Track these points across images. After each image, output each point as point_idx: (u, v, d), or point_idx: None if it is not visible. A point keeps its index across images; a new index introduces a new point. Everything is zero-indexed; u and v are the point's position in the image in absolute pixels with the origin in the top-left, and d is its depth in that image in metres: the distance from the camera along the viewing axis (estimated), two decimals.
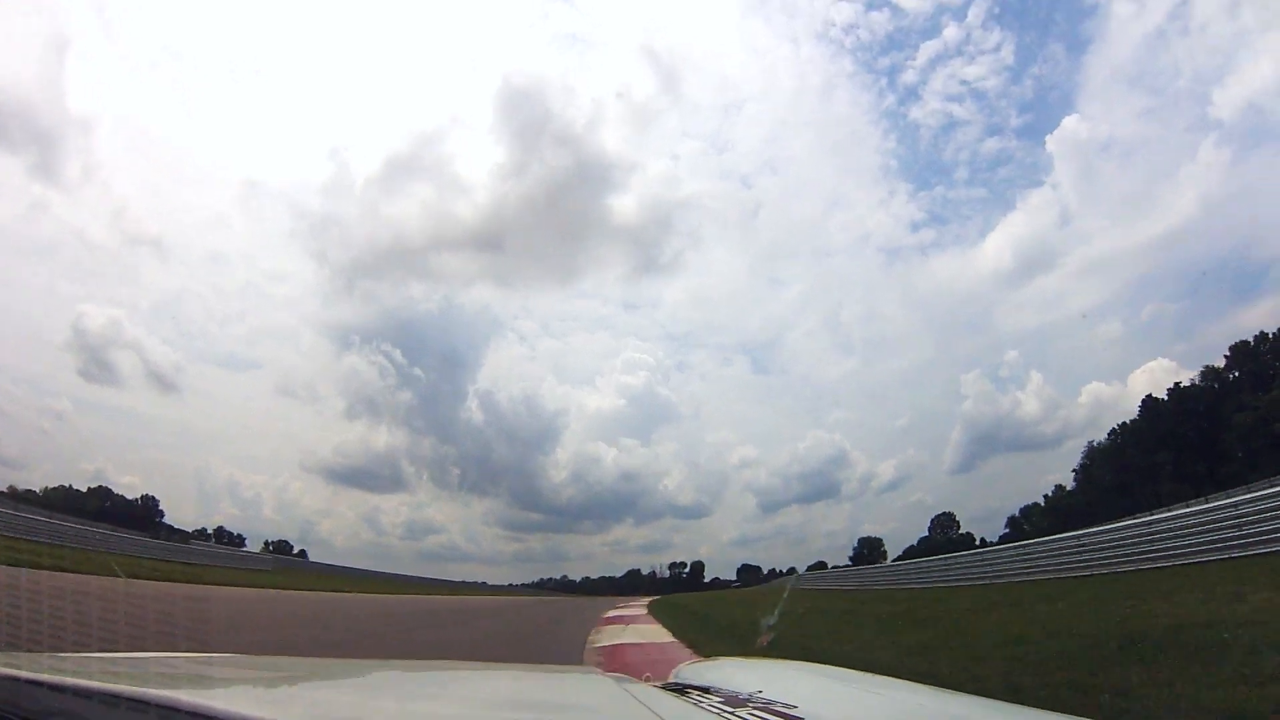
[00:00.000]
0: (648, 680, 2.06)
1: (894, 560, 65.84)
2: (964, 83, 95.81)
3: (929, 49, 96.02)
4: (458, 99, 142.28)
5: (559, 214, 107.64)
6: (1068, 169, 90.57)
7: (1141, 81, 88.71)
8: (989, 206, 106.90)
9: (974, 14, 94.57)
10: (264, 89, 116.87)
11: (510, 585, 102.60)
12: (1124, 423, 56.25)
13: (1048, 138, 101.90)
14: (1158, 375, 74.01)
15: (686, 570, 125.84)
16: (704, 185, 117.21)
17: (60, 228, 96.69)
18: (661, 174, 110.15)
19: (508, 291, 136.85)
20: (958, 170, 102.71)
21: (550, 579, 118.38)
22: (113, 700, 1.19)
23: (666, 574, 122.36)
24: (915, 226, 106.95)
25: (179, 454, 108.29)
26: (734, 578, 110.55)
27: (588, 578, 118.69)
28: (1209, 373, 50.67)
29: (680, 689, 1.85)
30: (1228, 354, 50.18)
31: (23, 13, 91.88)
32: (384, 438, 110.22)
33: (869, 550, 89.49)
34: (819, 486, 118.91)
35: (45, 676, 1.33)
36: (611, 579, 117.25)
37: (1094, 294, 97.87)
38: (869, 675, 2.34)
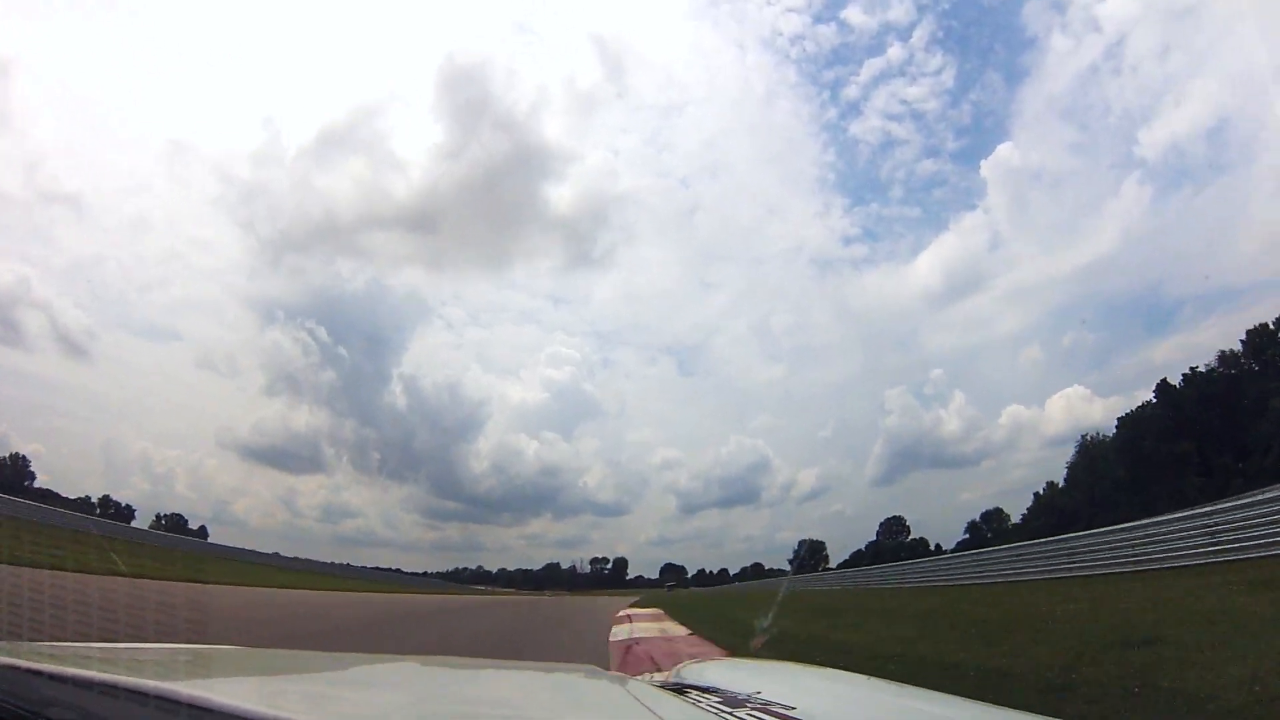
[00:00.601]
0: (648, 679, 2.09)
1: (838, 565, 64.90)
2: (904, 102, 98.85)
3: (873, 66, 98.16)
4: (399, 74, 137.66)
5: (495, 200, 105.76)
6: (1000, 195, 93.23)
7: (1074, 115, 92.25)
8: (922, 226, 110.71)
9: (918, 36, 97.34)
10: (196, 47, 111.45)
11: (425, 574, 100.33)
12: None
13: (982, 163, 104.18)
14: (1074, 401, 78.94)
15: (609, 567, 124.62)
16: (642, 181, 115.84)
17: None
18: (600, 166, 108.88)
19: (437, 276, 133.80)
20: (893, 188, 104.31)
21: (466, 568, 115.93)
22: (111, 691, 1.20)
23: (588, 569, 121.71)
24: (848, 240, 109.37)
25: (89, 424, 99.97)
26: (656, 576, 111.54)
27: (504, 569, 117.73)
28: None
29: (680, 688, 1.86)
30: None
31: None
32: (304, 417, 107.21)
33: (811, 554, 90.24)
34: (739, 491, 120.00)
35: (44, 666, 1.35)
36: (528, 571, 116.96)
37: (1018, 319, 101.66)
38: (868, 678, 2.32)
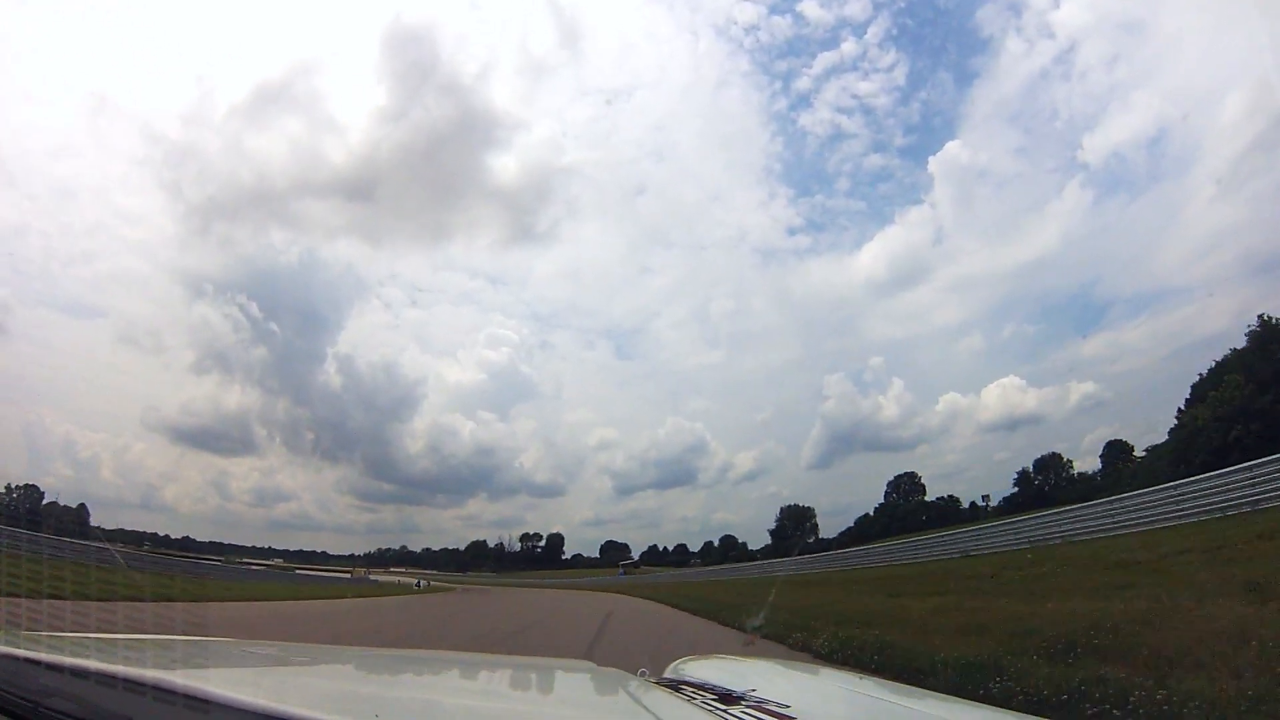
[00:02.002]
0: (643, 675, 2.06)
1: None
2: (856, 97, 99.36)
3: (826, 59, 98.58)
4: (341, 29, 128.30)
5: (436, 168, 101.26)
6: (946, 191, 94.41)
7: (1022, 118, 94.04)
8: (866, 219, 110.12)
9: (873, 32, 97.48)
10: None
11: (352, 555, 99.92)
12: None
13: (930, 158, 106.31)
14: (1008, 390, 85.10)
15: (541, 545, 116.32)
16: (588, 155, 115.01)
17: None
18: (547, 137, 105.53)
19: (374, 249, 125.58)
20: (840, 180, 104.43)
21: (390, 549, 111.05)
22: (109, 681, 1.20)
23: (517, 548, 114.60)
24: (792, 230, 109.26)
25: (7, 406, 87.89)
26: (596, 555, 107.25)
27: (429, 549, 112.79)
28: None
29: (676, 685, 1.87)
30: None
31: None
32: (235, 397, 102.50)
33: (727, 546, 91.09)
34: (676, 473, 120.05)
35: (43, 656, 1.35)
36: (454, 551, 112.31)
37: (958, 310, 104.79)
38: (862, 677, 2.36)
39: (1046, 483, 69.10)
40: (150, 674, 1.19)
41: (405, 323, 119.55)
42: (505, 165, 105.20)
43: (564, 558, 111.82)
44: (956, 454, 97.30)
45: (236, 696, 1.08)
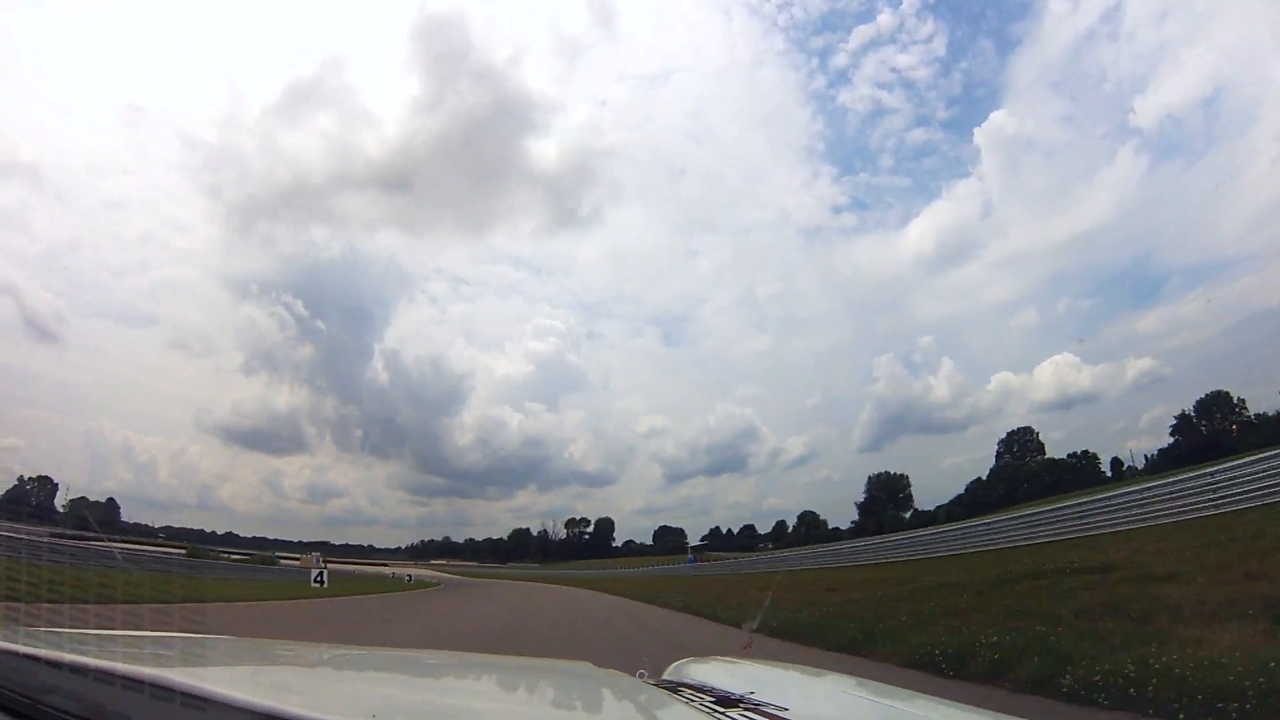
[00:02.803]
0: (641, 676, 2.04)
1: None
2: (895, 70, 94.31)
3: (862, 33, 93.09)
4: (369, 21, 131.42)
5: (474, 155, 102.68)
6: (993, 162, 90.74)
7: (1068, 83, 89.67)
8: (912, 195, 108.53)
9: (909, 2, 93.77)
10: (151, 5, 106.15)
11: (398, 549, 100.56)
12: None
13: (975, 130, 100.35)
14: (1062, 368, 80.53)
15: (589, 531, 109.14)
16: (627, 137, 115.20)
17: None
18: (585, 119, 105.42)
19: (416, 241, 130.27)
20: (883, 156, 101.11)
21: (433, 541, 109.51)
22: (107, 678, 1.20)
23: (563, 535, 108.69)
24: (837, 209, 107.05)
25: (69, 415, 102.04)
26: (649, 542, 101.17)
27: (471, 539, 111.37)
28: None
29: (674, 687, 1.86)
30: None
31: None
32: (285, 396, 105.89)
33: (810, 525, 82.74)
34: (726, 459, 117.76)
35: (41, 652, 1.34)
36: (498, 541, 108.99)
37: (1008, 286, 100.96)
38: (861, 680, 2.33)
39: (1214, 427, 57.16)
40: (148, 671, 1.19)
41: (451, 316, 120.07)
42: (544, 150, 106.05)
43: (614, 545, 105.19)
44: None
45: (234, 694, 1.08)
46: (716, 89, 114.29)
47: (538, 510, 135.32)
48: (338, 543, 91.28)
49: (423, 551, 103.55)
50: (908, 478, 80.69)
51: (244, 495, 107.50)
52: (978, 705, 2.16)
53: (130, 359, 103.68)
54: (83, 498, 72.86)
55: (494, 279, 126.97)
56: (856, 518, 78.45)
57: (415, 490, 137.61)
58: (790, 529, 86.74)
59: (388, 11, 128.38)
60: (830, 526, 79.85)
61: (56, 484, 70.07)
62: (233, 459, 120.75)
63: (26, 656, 1.33)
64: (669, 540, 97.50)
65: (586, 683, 2.10)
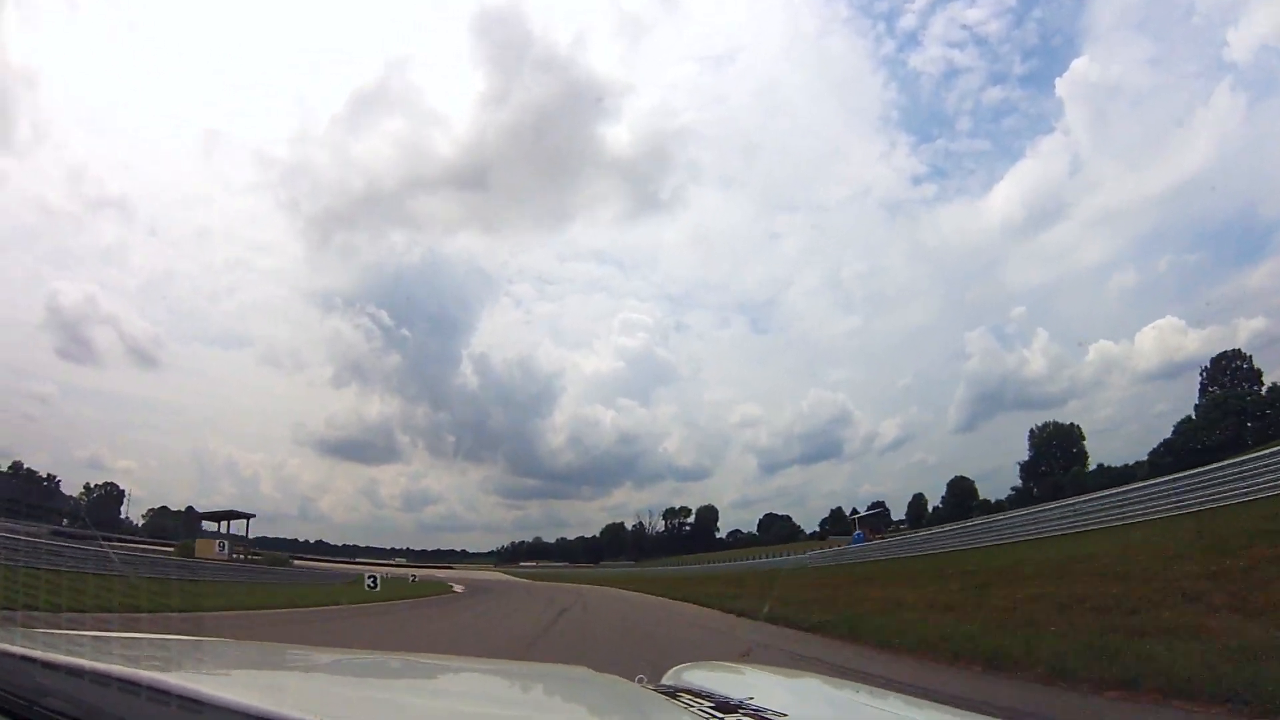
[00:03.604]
0: (641, 682, 2.04)
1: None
2: (965, 27, 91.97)
3: None
4: (426, 20, 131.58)
5: (546, 146, 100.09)
6: (1078, 115, 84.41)
7: (1152, 23, 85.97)
8: (994, 158, 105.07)
9: None
10: (212, 35, 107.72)
11: (490, 552, 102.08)
12: None
13: (1056, 81, 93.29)
14: (1166, 333, 73.57)
15: (689, 522, 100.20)
16: (700, 116, 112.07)
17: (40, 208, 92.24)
18: (656, 102, 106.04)
19: (495, 240, 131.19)
20: (960, 120, 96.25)
21: (524, 542, 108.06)
22: (104, 680, 1.21)
23: (661, 527, 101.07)
24: (917, 180, 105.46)
25: (175, 436, 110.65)
26: (754, 530, 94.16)
27: (563, 538, 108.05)
28: None
29: (673, 692, 1.86)
30: None
31: None
32: (376, 406, 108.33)
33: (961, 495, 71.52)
34: (821, 446, 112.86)
35: (39, 654, 1.34)
36: (590, 540, 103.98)
37: (1104, 246, 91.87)
38: (860, 686, 2.33)
39: None
40: (146, 674, 1.19)
41: (537, 317, 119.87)
42: (617, 135, 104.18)
43: (718, 537, 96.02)
44: (1111, 408, 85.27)
45: (230, 697, 1.09)
46: (784, 63, 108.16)
47: (633, 508, 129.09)
48: (430, 549, 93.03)
49: (512, 554, 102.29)
50: (1079, 428, 68.71)
51: (342, 505, 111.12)
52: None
53: (228, 379, 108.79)
54: (163, 507, 77.41)
55: (578, 276, 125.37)
56: (1019, 482, 68.33)
57: (509, 494, 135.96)
58: (933, 505, 76.45)
59: (445, 9, 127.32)
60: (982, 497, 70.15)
61: (123, 490, 74.79)
62: (329, 470, 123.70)
63: (24, 658, 1.34)
64: (777, 528, 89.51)
65: (586, 687, 2.10)
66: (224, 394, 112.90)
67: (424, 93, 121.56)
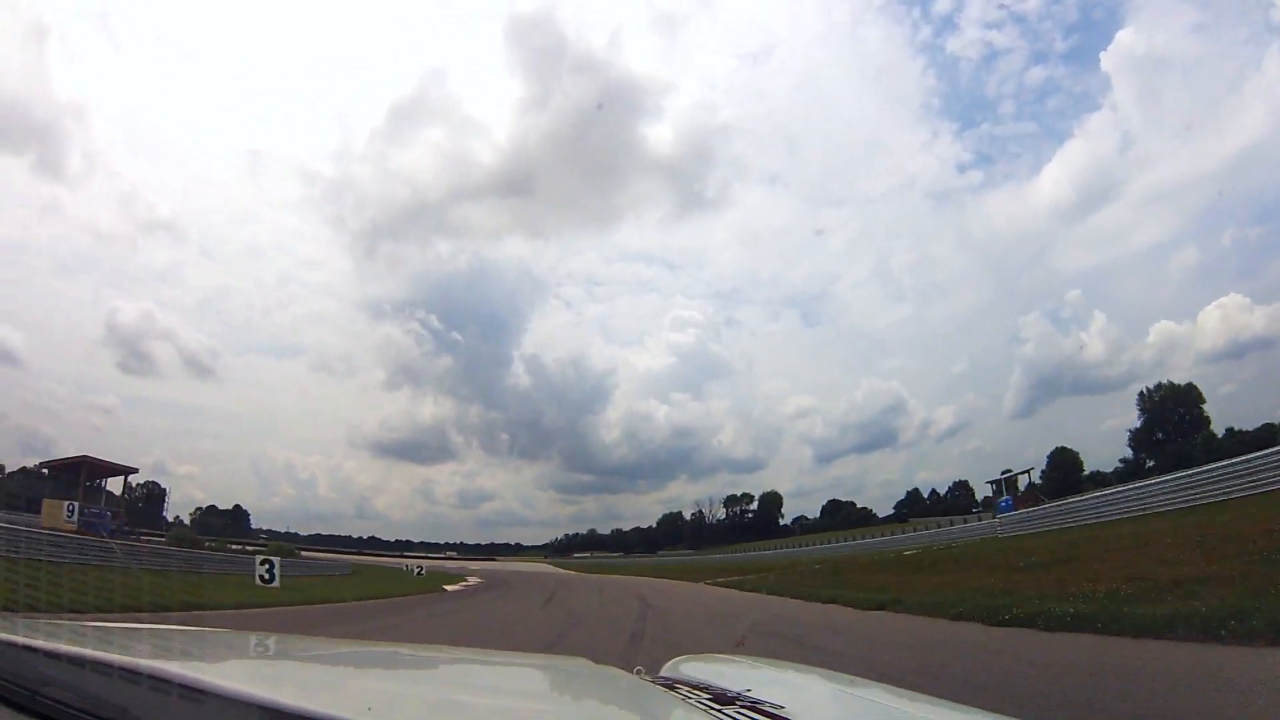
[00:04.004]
0: (639, 673, 2.05)
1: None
2: (1002, 6, 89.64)
3: None
4: (459, 28, 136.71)
5: (589, 148, 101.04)
6: (1125, 89, 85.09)
7: None
8: (1040, 140, 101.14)
9: None
10: (250, 59, 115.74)
11: (544, 545, 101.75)
12: None
13: (1101, 55, 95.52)
14: (1231, 311, 71.01)
15: (752, 510, 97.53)
16: (741, 111, 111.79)
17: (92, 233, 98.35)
18: (696, 99, 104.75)
19: (542, 243, 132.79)
20: (1003, 104, 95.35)
21: (576, 535, 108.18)
22: (106, 670, 1.21)
23: (721, 515, 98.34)
24: (962, 167, 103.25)
25: (235, 442, 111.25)
26: (817, 516, 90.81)
27: (618, 530, 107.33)
28: None
29: (671, 684, 1.86)
30: None
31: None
32: (429, 408, 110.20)
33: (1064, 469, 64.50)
34: (875, 435, 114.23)
35: (40, 643, 1.35)
36: (646, 530, 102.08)
37: (1160, 224, 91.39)
38: (857, 679, 2.31)
39: None
40: (146, 663, 1.19)
41: (587, 318, 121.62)
42: (660, 134, 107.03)
43: (781, 523, 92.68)
44: None
45: (232, 687, 1.08)
46: (820, 54, 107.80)
47: (688, 501, 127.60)
48: (484, 543, 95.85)
49: (565, 546, 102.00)
50: (1198, 389, 63.31)
51: (399, 504, 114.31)
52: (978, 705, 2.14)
53: (283, 387, 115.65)
54: (210, 506, 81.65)
55: (626, 277, 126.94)
56: (1130, 451, 64.29)
57: (565, 489, 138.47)
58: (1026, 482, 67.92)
59: (477, 17, 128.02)
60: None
61: (165, 489, 76.33)
62: (385, 471, 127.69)
63: (25, 648, 1.34)
64: (842, 515, 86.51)
65: (584, 679, 2.10)
66: (279, 401, 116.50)
67: (462, 102, 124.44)
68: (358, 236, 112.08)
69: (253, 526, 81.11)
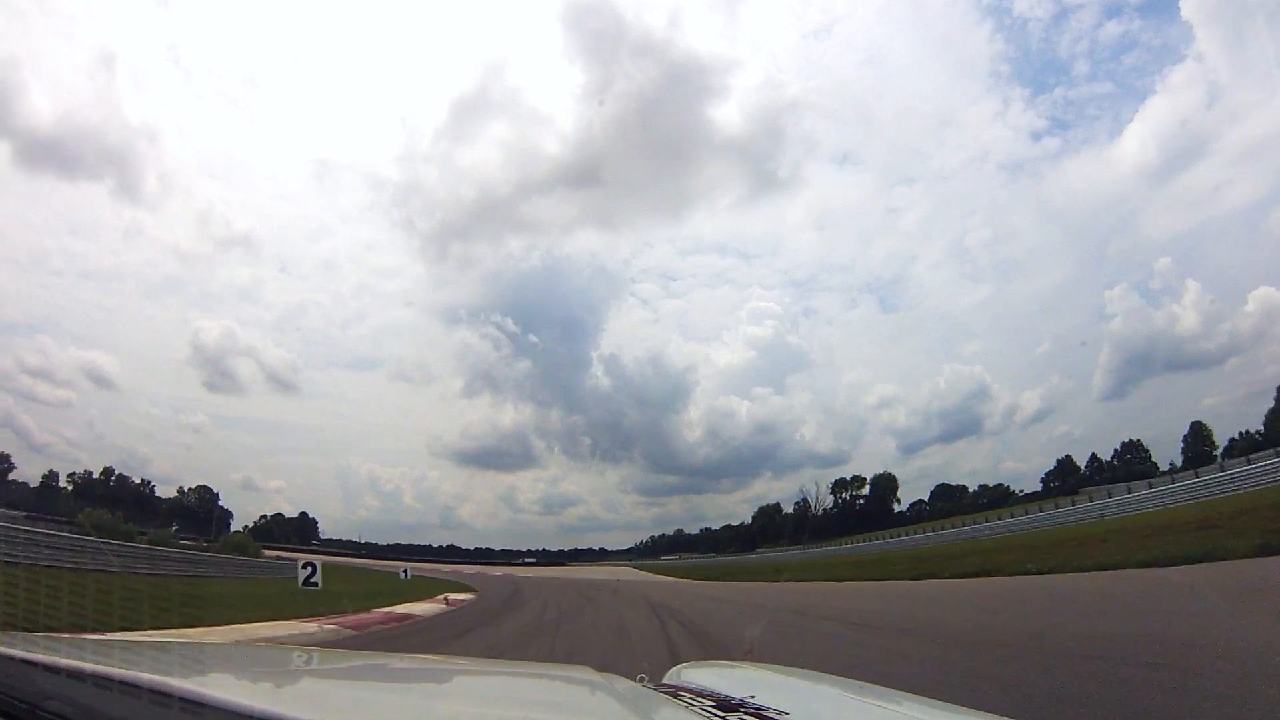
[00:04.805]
0: (642, 681, 2.04)
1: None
2: None
3: None
4: (514, 22, 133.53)
5: (656, 133, 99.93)
6: (1210, 37, 75.04)
7: None
8: (1118, 100, 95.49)
9: None
10: (319, 62, 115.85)
11: (629, 549, 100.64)
12: None
13: (1181, 3, 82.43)
14: None
15: (863, 495, 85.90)
16: (809, 85, 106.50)
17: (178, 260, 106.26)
18: (762, 75, 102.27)
19: (614, 235, 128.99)
20: (1076, 64, 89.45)
21: (663, 536, 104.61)
22: (105, 683, 1.20)
23: (829, 503, 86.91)
24: (1036, 135, 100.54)
25: (320, 456, 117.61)
26: (924, 498, 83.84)
27: (707, 528, 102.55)
28: None
29: (674, 691, 1.86)
30: None
31: (58, 35, 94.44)
32: (509, 414, 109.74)
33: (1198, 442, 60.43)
34: (960, 423, 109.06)
35: (39, 657, 1.34)
36: (738, 528, 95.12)
37: (1255, 181, 79.86)
38: (862, 684, 2.32)
39: None
40: (146, 677, 1.18)
41: (664, 315, 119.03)
42: (727, 114, 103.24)
43: (897, 508, 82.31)
44: (1278, 363, 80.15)
45: (232, 699, 1.08)
46: (883, 25, 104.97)
47: (774, 497, 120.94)
48: (568, 549, 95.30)
49: (652, 549, 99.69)
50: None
51: (482, 512, 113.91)
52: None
53: (364, 399, 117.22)
54: (278, 514, 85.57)
55: (701, 270, 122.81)
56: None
57: (648, 491, 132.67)
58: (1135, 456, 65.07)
59: (533, 5, 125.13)
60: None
61: (216, 493, 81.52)
62: (468, 479, 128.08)
63: (24, 662, 1.34)
64: (951, 500, 78.33)
65: (587, 687, 2.09)
66: (361, 413, 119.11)
67: (523, 93, 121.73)
68: (428, 240, 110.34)
69: (320, 535, 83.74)
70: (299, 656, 2.55)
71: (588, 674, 2.20)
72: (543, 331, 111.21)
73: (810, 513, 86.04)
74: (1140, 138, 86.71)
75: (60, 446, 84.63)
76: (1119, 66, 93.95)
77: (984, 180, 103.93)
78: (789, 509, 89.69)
